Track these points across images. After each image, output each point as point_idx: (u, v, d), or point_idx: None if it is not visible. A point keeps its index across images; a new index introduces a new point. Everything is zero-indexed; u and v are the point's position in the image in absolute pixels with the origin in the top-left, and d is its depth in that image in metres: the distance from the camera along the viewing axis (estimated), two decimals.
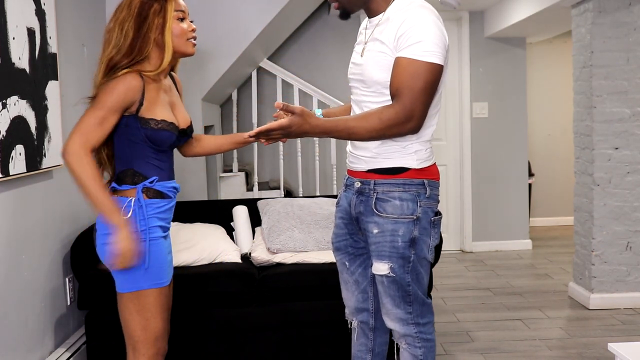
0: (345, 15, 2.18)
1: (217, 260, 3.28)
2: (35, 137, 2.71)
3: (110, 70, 2.04)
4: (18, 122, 2.54)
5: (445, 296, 4.51)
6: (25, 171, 2.61)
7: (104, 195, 1.99)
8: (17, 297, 2.61)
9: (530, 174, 6.31)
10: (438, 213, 2.14)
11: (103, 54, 2.07)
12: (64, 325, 3.10)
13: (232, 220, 3.62)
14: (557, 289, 4.63)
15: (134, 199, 2.06)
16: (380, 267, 2.09)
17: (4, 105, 2.43)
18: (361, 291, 2.28)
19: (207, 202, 3.92)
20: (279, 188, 5.03)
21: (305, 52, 5.65)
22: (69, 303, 3.16)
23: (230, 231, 3.61)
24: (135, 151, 2.09)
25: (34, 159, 2.69)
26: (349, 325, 2.39)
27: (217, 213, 3.70)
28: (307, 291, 3.08)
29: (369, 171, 2.09)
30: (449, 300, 4.42)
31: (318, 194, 4.86)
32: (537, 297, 4.44)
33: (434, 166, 2.13)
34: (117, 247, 1.97)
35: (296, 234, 3.33)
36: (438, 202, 2.14)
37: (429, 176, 2.09)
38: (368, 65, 2.08)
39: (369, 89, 2.09)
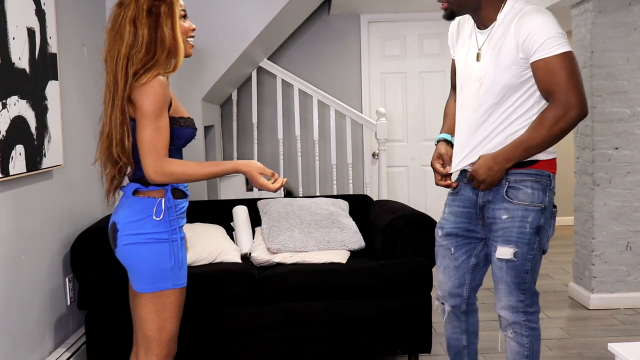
0: (451, 16, 2.32)
1: (217, 260, 3.28)
2: (35, 137, 2.71)
3: (133, 72, 1.98)
4: (18, 122, 2.54)
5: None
6: (25, 171, 2.61)
7: (206, 166, 2.07)
8: (17, 297, 2.61)
9: None
10: (555, 205, 2.28)
11: (112, 50, 2.01)
12: (64, 325, 3.10)
13: (232, 220, 3.62)
14: (557, 289, 4.63)
15: (162, 199, 2.05)
16: (505, 252, 2.21)
17: (4, 105, 2.43)
18: (459, 277, 2.42)
19: (207, 202, 3.92)
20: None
21: (305, 52, 5.65)
22: (69, 303, 3.16)
23: (230, 231, 3.61)
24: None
25: (34, 159, 2.69)
26: (439, 309, 2.57)
27: (217, 213, 3.70)
28: (307, 291, 3.08)
29: None
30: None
31: (318, 194, 4.86)
32: None
33: (556, 159, 2.28)
34: (254, 178, 2.08)
35: (296, 234, 3.33)
36: (554, 194, 2.28)
37: (553, 169, 2.26)
38: (489, 69, 2.21)
39: (488, 90, 2.22)
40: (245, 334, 3.03)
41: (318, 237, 3.35)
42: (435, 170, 2.41)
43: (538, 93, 2.18)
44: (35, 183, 2.79)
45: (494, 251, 2.27)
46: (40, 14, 2.80)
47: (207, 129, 4.70)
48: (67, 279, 3.15)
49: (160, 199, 2.05)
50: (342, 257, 3.28)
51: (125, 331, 2.94)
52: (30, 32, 2.69)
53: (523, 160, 2.20)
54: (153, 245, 2.02)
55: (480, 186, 2.25)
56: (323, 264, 3.20)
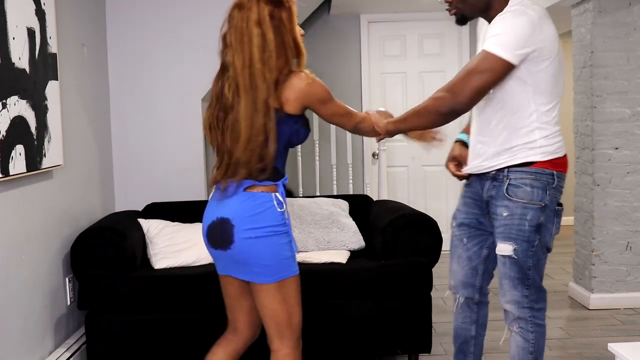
0: (463, 20, 2.36)
1: None
2: (35, 137, 2.71)
3: (274, 79, 2.04)
4: (18, 122, 2.54)
5: (445, 296, 4.51)
6: (25, 171, 2.61)
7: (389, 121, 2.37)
8: (17, 297, 2.61)
9: None
10: (560, 204, 2.31)
11: (243, 54, 2.03)
12: (64, 325, 3.10)
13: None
14: (557, 289, 4.63)
15: (277, 193, 2.11)
16: (505, 248, 2.26)
17: (4, 105, 2.43)
18: (472, 267, 2.47)
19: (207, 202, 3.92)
20: None
21: (306, 52, 5.65)
22: (69, 303, 3.16)
23: None
24: (281, 150, 2.13)
25: (34, 159, 2.69)
26: (453, 299, 2.59)
27: None
28: (307, 291, 3.07)
29: (502, 169, 2.27)
30: (449, 300, 4.42)
31: (318, 194, 4.85)
32: None
33: (564, 158, 2.29)
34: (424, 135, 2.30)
35: (296, 234, 3.33)
36: (561, 193, 2.31)
37: (558, 168, 2.26)
38: None
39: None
40: None
41: (318, 237, 3.35)
42: (449, 169, 2.55)
43: (531, 88, 2.21)
44: (35, 183, 2.79)
45: (490, 247, 2.39)
46: (40, 14, 2.80)
47: None
48: (67, 279, 3.15)
49: (274, 193, 2.10)
50: (342, 257, 3.28)
51: (125, 331, 2.95)
52: (30, 32, 2.69)
53: (523, 160, 2.24)
54: (274, 237, 2.07)
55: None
56: (323, 264, 3.20)
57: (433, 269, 3.20)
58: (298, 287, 2.17)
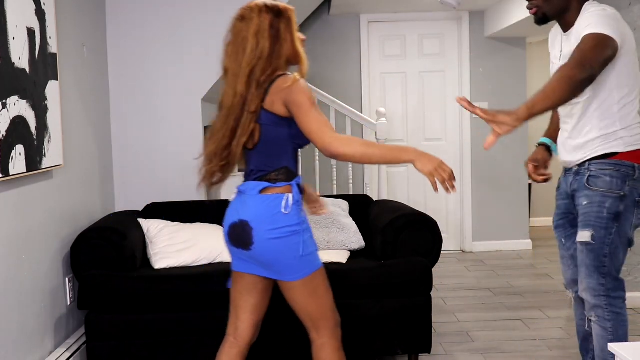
0: (543, 20, 2.45)
1: (217, 260, 3.28)
2: (35, 137, 2.71)
3: (257, 81, 2.10)
4: (18, 122, 2.54)
5: (445, 296, 4.51)
6: (25, 171, 2.61)
7: (385, 149, 2.13)
8: (17, 297, 2.61)
9: None
10: None
11: (235, 62, 2.13)
12: (64, 325, 3.10)
13: None
14: (557, 289, 4.63)
15: (290, 194, 2.16)
16: (584, 235, 2.36)
17: (4, 105, 2.43)
18: (576, 265, 2.52)
19: (207, 202, 3.92)
20: None
21: (306, 52, 5.65)
22: (69, 303, 3.16)
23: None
24: (283, 150, 2.19)
25: (34, 159, 2.69)
26: (569, 296, 2.70)
27: (217, 213, 3.70)
28: None
29: (584, 162, 2.39)
30: (449, 300, 4.42)
31: (318, 194, 4.85)
32: (537, 297, 4.44)
33: None
34: (427, 157, 2.11)
35: None
36: None
37: (637, 160, 2.34)
38: None
39: None
40: None
41: (318, 237, 3.35)
42: (528, 170, 2.68)
43: (614, 80, 2.31)
44: (35, 183, 2.79)
45: (577, 235, 2.44)
46: (40, 14, 2.80)
47: (207, 129, 4.70)
48: (67, 279, 3.15)
49: (287, 194, 2.15)
50: (342, 257, 3.28)
51: (125, 331, 2.95)
52: (30, 32, 2.69)
53: (605, 152, 2.33)
54: (289, 237, 2.14)
55: (496, 123, 2.14)
56: (323, 264, 3.19)
57: (433, 269, 3.20)
58: (324, 278, 2.24)
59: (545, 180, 2.64)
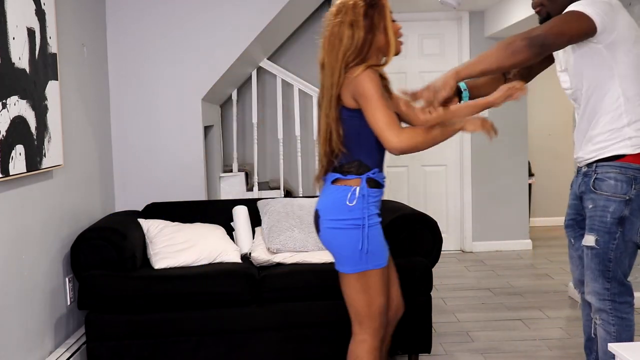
0: (547, 20, 2.38)
1: (217, 260, 3.28)
2: (35, 137, 2.71)
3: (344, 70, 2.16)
4: (18, 122, 2.54)
5: (445, 296, 4.51)
6: (25, 171, 2.61)
7: (437, 132, 2.13)
8: (17, 297, 2.61)
9: (530, 174, 6.31)
10: None
11: (331, 54, 2.18)
12: (64, 325, 3.10)
13: (232, 220, 3.62)
14: (557, 289, 4.63)
15: (357, 187, 2.19)
16: (588, 239, 2.35)
17: (4, 105, 2.43)
18: (584, 266, 2.46)
19: (207, 202, 3.92)
20: (279, 188, 5.03)
21: (305, 52, 5.64)
22: (69, 303, 3.16)
23: (230, 231, 3.60)
24: (362, 143, 2.21)
25: (34, 159, 2.69)
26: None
27: (217, 213, 3.70)
28: (307, 291, 3.08)
29: (591, 164, 2.38)
30: (449, 300, 4.42)
31: (318, 194, 4.85)
32: (537, 297, 4.44)
33: None
34: (480, 124, 2.13)
35: (296, 234, 3.33)
36: None
37: None
38: (563, 58, 2.42)
39: (567, 79, 2.42)
40: (245, 334, 3.02)
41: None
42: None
43: (616, 72, 2.29)
44: (35, 183, 2.79)
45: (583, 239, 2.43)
46: (40, 14, 2.80)
47: (207, 129, 4.70)
48: (67, 279, 3.15)
49: (355, 187, 2.19)
50: None
51: (125, 331, 2.95)
52: (30, 32, 2.69)
53: (611, 154, 2.31)
54: (351, 230, 2.17)
55: (427, 93, 2.20)
56: (323, 264, 3.19)
57: (433, 269, 3.20)
58: (380, 279, 2.23)
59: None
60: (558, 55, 2.51)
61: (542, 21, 2.45)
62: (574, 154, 2.52)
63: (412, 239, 3.22)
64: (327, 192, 2.26)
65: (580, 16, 2.21)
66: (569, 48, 2.37)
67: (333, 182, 2.24)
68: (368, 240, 2.17)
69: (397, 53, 2.27)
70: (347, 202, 2.17)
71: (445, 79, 2.19)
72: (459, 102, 2.54)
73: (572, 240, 2.59)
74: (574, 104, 2.50)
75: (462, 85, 2.54)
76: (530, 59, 2.22)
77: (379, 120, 2.09)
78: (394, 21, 2.26)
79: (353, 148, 2.21)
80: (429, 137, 2.12)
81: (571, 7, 2.25)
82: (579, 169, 2.51)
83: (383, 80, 2.25)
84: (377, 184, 2.24)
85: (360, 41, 2.16)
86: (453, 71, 2.22)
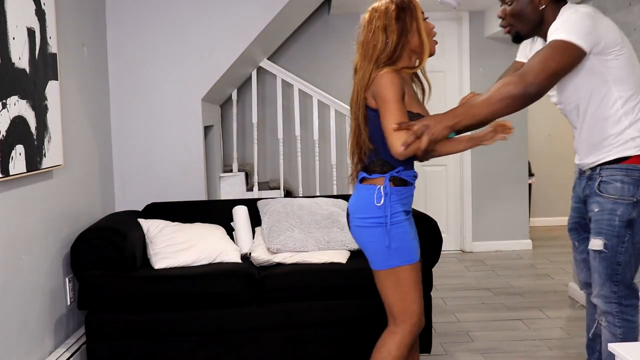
0: (518, 38, 2.44)
1: (217, 260, 3.28)
2: (35, 137, 2.71)
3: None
4: (18, 122, 2.54)
5: (445, 296, 4.51)
6: (25, 171, 2.61)
7: (448, 147, 2.28)
8: (17, 297, 2.61)
9: (530, 174, 6.31)
10: None
11: (365, 59, 2.27)
12: (64, 325, 3.10)
13: (232, 220, 3.62)
14: (557, 289, 4.63)
15: (381, 187, 2.23)
16: (596, 243, 2.32)
17: (4, 105, 2.43)
18: (588, 269, 2.49)
19: (207, 202, 3.92)
20: (279, 188, 5.03)
21: (305, 52, 5.65)
22: (69, 303, 3.16)
23: (230, 231, 3.61)
24: (382, 142, 2.24)
25: (34, 159, 2.69)
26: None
27: (217, 213, 3.70)
28: (307, 291, 3.08)
29: (595, 167, 2.35)
30: (449, 300, 4.42)
31: (318, 194, 4.86)
32: (537, 297, 4.44)
33: None
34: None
35: (296, 234, 3.33)
36: None
37: None
38: None
39: (562, 93, 2.40)
40: (245, 334, 3.02)
41: (318, 237, 3.35)
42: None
43: (610, 77, 2.27)
44: (35, 183, 2.79)
45: (589, 242, 2.40)
46: (40, 14, 2.80)
47: (207, 129, 4.70)
48: (67, 279, 3.15)
49: (379, 186, 2.24)
50: (342, 257, 3.28)
51: (125, 331, 2.95)
52: (30, 32, 2.69)
53: (616, 156, 2.29)
54: (376, 228, 2.22)
55: (420, 134, 2.15)
56: (323, 264, 3.20)
57: (433, 269, 3.20)
58: (411, 275, 2.26)
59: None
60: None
61: (513, 40, 2.44)
62: (576, 159, 2.51)
63: None
64: (356, 190, 2.34)
65: (567, 47, 2.16)
66: None
67: (361, 181, 2.31)
68: (392, 238, 2.21)
69: (431, 54, 2.31)
70: (375, 202, 2.22)
71: (441, 128, 2.15)
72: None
73: (577, 244, 2.58)
74: (567, 117, 2.48)
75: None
76: (525, 106, 2.22)
77: (388, 124, 2.15)
78: (425, 19, 2.30)
79: (378, 147, 2.25)
80: (444, 148, 2.25)
81: (554, 35, 2.18)
82: (581, 172, 2.49)
83: (416, 82, 2.36)
84: (403, 182, 2.27)
85: (393, 45, 2.22)
86: (449, 121, 2.17)
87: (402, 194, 2.27)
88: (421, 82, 2.42)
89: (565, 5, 2.33)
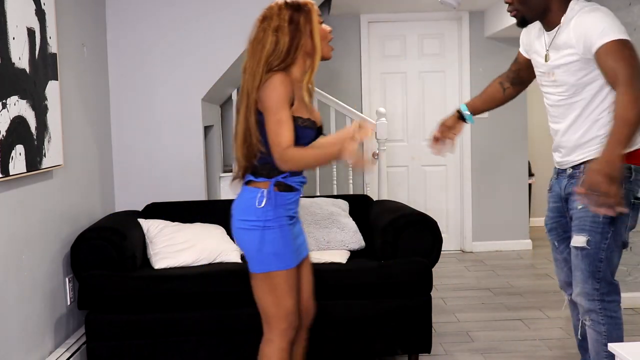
0: (523, 22, 2.46)
1: (217, 260, 3.28)
2: (35, 137, 2.71)
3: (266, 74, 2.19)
4: (18, 122, 2.54)
5: (445, 296, 4.51)
6: (25, 171, 2.61)
7: (321, 151, 2.22)
8: (17, 297, 2.61)
9: (530, 174, 6.31)
10: (638, 198, 2.34)
11: (253, 59, 2.21)
12: (64, 325, 3.10)
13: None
14: (557, 289, 4.62)
15: (266, 190, 2.22)
16: (579, 240, 2.33)
17: (4, 105, 2.43)
18: (569, 268, 2.51)
19: (207, 202, 3.92)
20: None
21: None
22: (69, 303, 3.16)
23: (230, 231, 3.60)
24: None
25: (34, 159, 2.69)
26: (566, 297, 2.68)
27: (217, 213, 3.70)
28: None
29: (578, 165, 2.37)
30: (449, 300, 4.42)
31: (318, 194, 4.86)
32: (537, 297, 4.44)
33: (639, 151, 2.29)
34: (348, 151, 2.15)
35: None
36: (639, 186, 2.36)
37: (633, 161, 2.30)
38: (558, 70, 2.36)
39: (560, 90, 2.38)
40: (245, 334, 3.02)
41: (318, 237, 3.35)
42: (435, 131, 2.67)
43: (603, 80, 2.29)
44: (35, 183, 2.79)
45: (571, 239, 2.40)
46: (40, 14, 2.80)
47: (207, 129, 4.70)
48: (67, 279, 3.15)
49: (264, 189, 2.23)
50: (342, 257, 3.28)
51: (125, 331, 2.95)
52: (30, 32, 2.69)
53: (594, 157, 2.24)
54: (256, 231, 2.22)
55: (603, 198, 2.13)
56: (323, 264, 3.19)
57: (433, 269, 3.20)
58: (286, 281, 2.25)
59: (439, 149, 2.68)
60: (541, 74, 2.51)
61: (518, 24, 2.47)
62: (556, 158, 2.50)
63: (412, 239, 3.22)
64: (240, 192, 2.31)
65: (627, 43, 2.20)
66: (552, 65, 2.39)
67: (246, 183, 2.29)
68: (270, 242, 2.20)
69: (326, 58, 2.31)
70: (256, 204, 2.21)
71: (617, 168, 2.15)
72: (465, 122, 2.70)
73: (556, 244, 2.59)
74: (553, 109, 2.48)
75: (464, 107, 2.69)
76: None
77: (270, 133, 2.14)
78: (322, 23, 2.28)
79: (267, 150, 2.21)
80: (311, 159, 2.19)
81: (604, 38, 2.19)
82: (560, 171, 2.50)
83: (309, 84, 2.32)
84: (288, 188, 2.27)
85: (286, 47, 2.18)
86: (619, 153, 2.15)
87: (287, 199, 2.27)
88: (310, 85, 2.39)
89: (574, 1, 2.35)
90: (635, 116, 2.14)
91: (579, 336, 2.59)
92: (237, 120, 2.28)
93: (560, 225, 2.54)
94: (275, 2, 2.24)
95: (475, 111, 2.74)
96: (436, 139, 2.74)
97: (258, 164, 2.25)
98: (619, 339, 2.37)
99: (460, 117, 2.74)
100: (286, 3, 2.22)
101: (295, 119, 2.19)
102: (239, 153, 2.27)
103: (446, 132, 2.74)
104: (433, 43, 5.93)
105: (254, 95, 2.18)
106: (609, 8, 4.19)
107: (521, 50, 2.65)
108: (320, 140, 2.33)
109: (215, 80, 4.09)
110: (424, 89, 5.94)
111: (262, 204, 2.20)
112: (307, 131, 2.24)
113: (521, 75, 2.69)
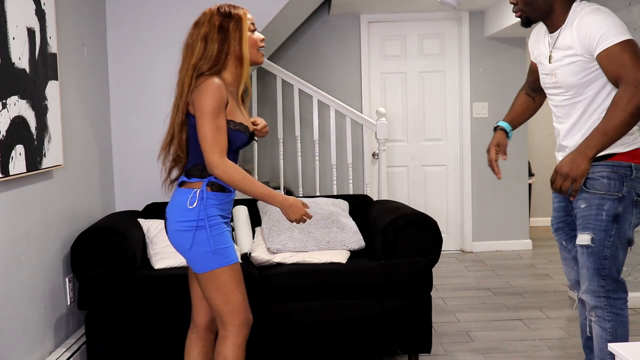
0: (527, 23, 2.49)
1: None
2: (35, 137, 2.71)
3: (196, 78, 2.24)
4: (18, 122, 2.54)
5: (445, 296, 4.51)
6: (25, 171, 2.61)
7: (260, 186, 2.26)
8: (17, 297, 2.61)
9: (530, 174, 6.31)
10: None
11: (184, 64, 2.28)
12: (64, 325, 3.10)
13: (232, 220, 3.62)
14: (557, 289, 4.63)
15: (198, 190, 2.24)
16: (583, 238, 2.36)
17: (4, 105, 2.43)
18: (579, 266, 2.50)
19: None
20: (279, 188, 5.03)
21: (305, 52, 5.65)
22: (69, 303, 3.16)
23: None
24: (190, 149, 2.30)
25: (34, 159, 2.69)
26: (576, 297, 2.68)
27: None
28: (307, 291, 3.08)
29: None
30: (449, 300, 4.42)
31: (318, 194, 4.86)
32: (537, 297, 4.44)
33: (639, 150, 2.37)
34: (292, 208, 2.28)
35: (296, 234, 3.33)
36: None
37: (635, 160, 2.35)
38: (559, 70, 2.40)
39: (561, 90, 2.42)
40: None
41: (318, 237, 3.35)
42: (489, 155, 2.69)
43: (605, 80, 2.32)
44: (35, 183, 2.79)
45: (577, 238, 2.43)
46: (40, 14, 2.80)
47: None
48: (67, 279, 3.15)
49: (197, 189, 2.25)
50: (342, 257, 3.28)
51: (125, 331, 2.95)
52: (30, 32, 2.69)
53: (603, 153, 2.30)
54: (192, 231, 2.22)
55: (565, 183, 2.29)
56: (323, 264, 3.20)
57: (433, 269, 3.20)
58: (231, 276, 2.26)
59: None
60: (542, 64, 2.53)
61: (522, 24, 2.50)
62: (559, 157, 2.52)
63: (412, 239, 3.22)
64: (173, 194, 2.33)
65: (630, 44, 2.23)
66: (555, 65, 2.41)
67: (179, 184, 2.31)
68: (207, 241, 2.21)
69: (256, 63, 2.36)
70: (188, 204, 2.23)
71: (586, 165, 2.28)
72: (508, 138, 2.76)
73: (564, 243, 2.61)
74: (557, 109, 2.50)
75: (507, 125, 2.73)
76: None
77: (206, 138, 2.17)
78: (254, 31, 2.32)
79: (199, 152, 2.24)
80: (244, 186, 2.22)
81: (616, 37, 2.22)
82: None
83: (243, 89, 2.36)
84: (221, 188, 2.28)
85: (214, 53, 2.23)
86: (585, 150, 2.27)
87: (220, 199, 2.28)
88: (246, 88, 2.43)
89: (578, 2, 2.38)
90: (632, 110, 2.19)
91: (587, 334, 2.59)
92: (170, 122, 2.33)
93: (567, 224, 2.57)
94: (209, 9, 2.30)
95: (515, 126, 2.79)
96: (495, 161, 2.75)
97: (192, 165, 2.29)
98: (624, 336, 2.38)
99: (505, 133, 2.77)
100: (218, 10, 2.28)
101: (228, 122, 2.23)
102: (168, 154, 2.34)
103: (498, 151, 2.75)
104: (433, 43, 5.93)
105: (183, 99, 2.24)
106: (609, 8, 4.19)
107: (532, 58, 2.68)
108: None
109: None
110: (424, 89, 5.94)
111: (194, 204, 2.22)
112: (239, 135, 2.28)
113: (539, 84, 2.70)
